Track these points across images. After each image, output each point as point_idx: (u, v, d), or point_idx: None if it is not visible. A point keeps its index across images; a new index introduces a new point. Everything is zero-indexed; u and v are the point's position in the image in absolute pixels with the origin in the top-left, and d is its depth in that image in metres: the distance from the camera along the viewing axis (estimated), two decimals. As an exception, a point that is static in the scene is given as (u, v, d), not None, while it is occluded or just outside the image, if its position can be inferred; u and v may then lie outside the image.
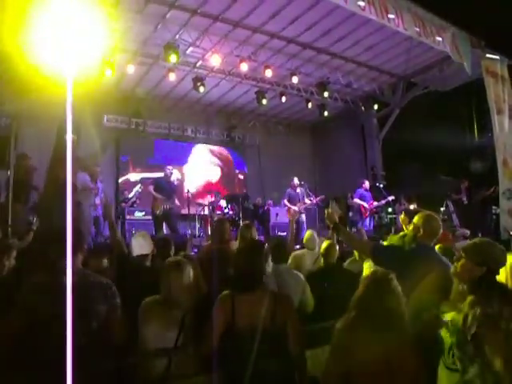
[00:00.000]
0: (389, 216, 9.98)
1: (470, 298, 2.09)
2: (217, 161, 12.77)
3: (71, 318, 2.21)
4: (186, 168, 12.00)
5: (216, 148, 12.73)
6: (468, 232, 6.11)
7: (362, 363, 1.99)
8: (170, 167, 8.42)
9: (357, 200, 9.73)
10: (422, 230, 2.78)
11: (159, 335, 2.48)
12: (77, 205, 5.89)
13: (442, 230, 2.93)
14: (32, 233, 4.35)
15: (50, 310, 2.20)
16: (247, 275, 2.39)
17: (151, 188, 8.02)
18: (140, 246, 3.46)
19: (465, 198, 9.34)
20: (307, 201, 9.38)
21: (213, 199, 10.01)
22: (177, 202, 8.27)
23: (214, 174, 12.64)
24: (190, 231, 8.95)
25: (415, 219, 2.87)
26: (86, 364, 2.08)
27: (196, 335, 2.58)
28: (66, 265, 2.38)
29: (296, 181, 9.51)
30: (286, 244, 3.92)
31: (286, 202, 9.42)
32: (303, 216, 9.19)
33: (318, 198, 9.40)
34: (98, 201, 7.38)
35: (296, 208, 9.05)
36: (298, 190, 9.47)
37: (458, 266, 2.26)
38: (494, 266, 2.25)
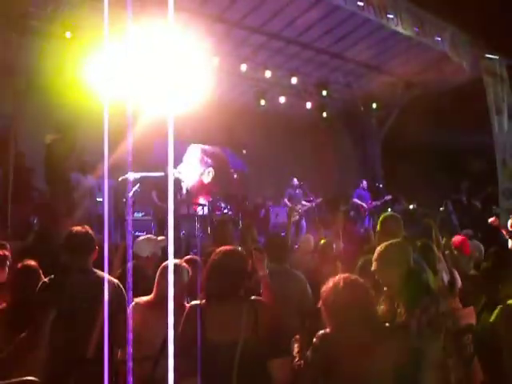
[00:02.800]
0: (388, 216, 9.95)
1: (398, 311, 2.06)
2: (209, 161, 12.67)
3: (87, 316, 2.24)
4: (180, 168, 11.94)
5: (208, 148, 12.64)
6: (471, 232, 6.05)
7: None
8: (169, 166, 8.39)
9: (356, 200, 9.73)
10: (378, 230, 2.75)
11: (148, 337, 2.46)
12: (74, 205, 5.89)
13: (400, 230, 2.83)
14: (33, 233, 4.35)
15: (66, 308, 2.32)
16: (221, 284, 2.22)
17: (154, 195, 8.07)
18: (144, 248, 3.53)
19: (464, 198, 9.35)
20: (306, 203, 9.37)
21: (211, 199, 9.96)
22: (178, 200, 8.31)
23: (207, 174, 12.54)
24: (187, 232, 8.90)
25: None
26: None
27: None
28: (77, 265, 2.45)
29: (296, 181, 9.50)
30: (286, 243, 3.83)
31: (286, 201, 9.41)
32: (302, 217, 9.18)
33: (317, 200, 9.38)
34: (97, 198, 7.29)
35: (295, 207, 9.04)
36: (298, 190, 9.47)
37: (375, 271, 2.21)
38: (411, 265, 2.23)
